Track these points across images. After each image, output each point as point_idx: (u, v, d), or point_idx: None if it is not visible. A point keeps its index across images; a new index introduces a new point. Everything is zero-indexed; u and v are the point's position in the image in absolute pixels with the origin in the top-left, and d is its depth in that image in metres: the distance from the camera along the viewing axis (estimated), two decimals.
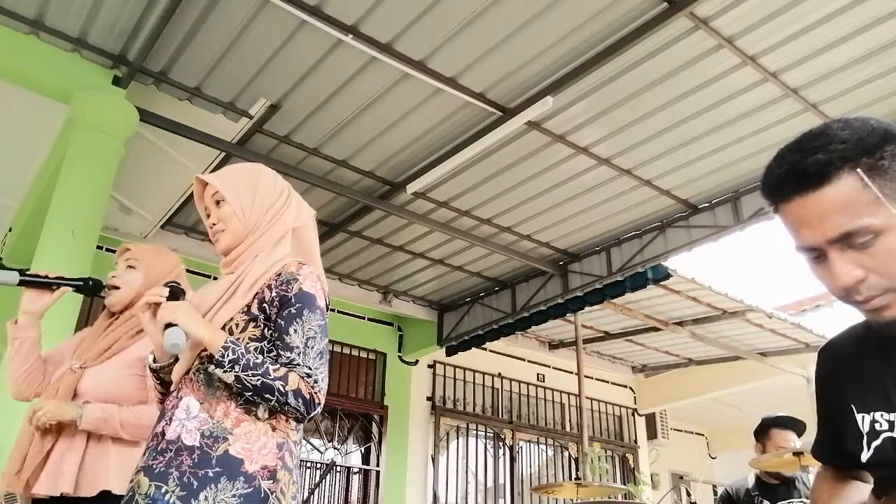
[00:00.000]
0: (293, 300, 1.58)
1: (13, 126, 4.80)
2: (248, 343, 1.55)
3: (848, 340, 1.24)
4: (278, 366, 1.51)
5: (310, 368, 1.52)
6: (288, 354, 1.53)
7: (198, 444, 1.47)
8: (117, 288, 2.15)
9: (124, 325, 2.13)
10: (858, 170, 0.95)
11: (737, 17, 3.80)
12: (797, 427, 3.61)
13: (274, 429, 1.52)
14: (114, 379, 2.04)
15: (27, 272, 2.02)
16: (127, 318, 2.14)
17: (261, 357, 1.51)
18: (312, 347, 1.54)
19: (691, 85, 4.30)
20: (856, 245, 0.97)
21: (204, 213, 1.76)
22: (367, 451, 7.55)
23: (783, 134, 4.70)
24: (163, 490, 1.44)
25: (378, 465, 7.44)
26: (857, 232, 0.96)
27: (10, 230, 5.87)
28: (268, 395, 1.47)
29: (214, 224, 1.70)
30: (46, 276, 2.04)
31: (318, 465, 7.04)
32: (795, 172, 0.99)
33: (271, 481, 1.46)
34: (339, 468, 7.27)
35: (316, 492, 6.92)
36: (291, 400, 1.48)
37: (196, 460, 1.45)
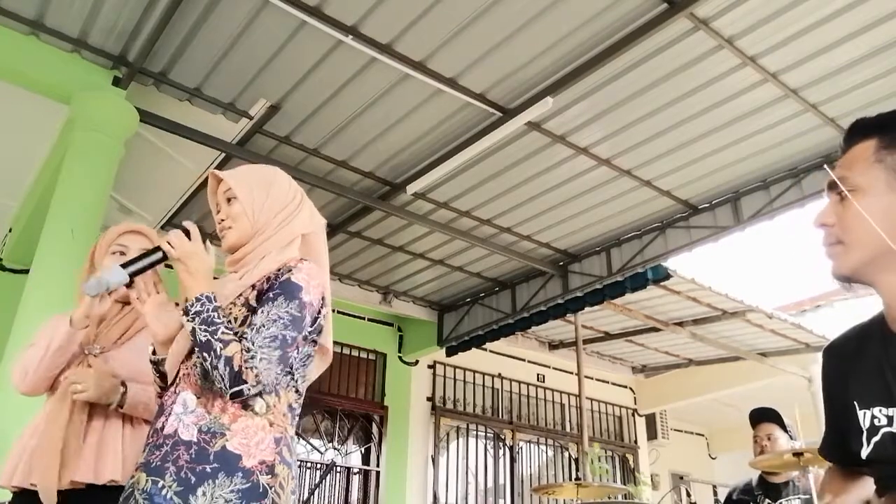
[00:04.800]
0: (276, 287, 1.58)
1: (13, 126, 4.80)
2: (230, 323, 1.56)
3: (851, 338, 1.25)
4: (231, 332, 1.50)
5: (252, 345, 1.48)
6: (245, 330, 1.52)
7: (195, 440, 1.47)
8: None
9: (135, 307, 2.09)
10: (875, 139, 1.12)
11: (737, 18, 3.80)
12: (764, 416, 3.64)
13: (271, 424, 1.52)
14: (141, 360, 1.94)
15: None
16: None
17: (221, 319, 1.51)
18: (268, 329, 1.51)
19: (691, 86, 4.30)
20: (839, 194, 1.12)
21: (215, 209, 1.76)
22: (367, 451, 7.55)
23: (783, 134, 4.71)
24: (160, 485, 1.43)
25: (378, 466, 7.44)
26: (839, 179, 1.12)
27: (10, 230, 5.87)
28: (206, 354, 1.48)
29: (223, 220, 1.70)
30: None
31: (318, 466, 7.03)
32: (848, 130, 1.19)
33: (270, 476, 1.46)
34: (339, 468, 7.27)
35: (316, 492, 6.92)
36: (221, 366, 1.46)
37: (193, 455, 1.45)
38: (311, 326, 1.61)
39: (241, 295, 1.61)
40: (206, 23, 3.95)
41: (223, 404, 1.50)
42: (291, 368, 1.58)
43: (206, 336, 1.48)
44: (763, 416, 3.66)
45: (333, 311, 6.85)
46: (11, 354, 3.29)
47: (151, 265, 1.63)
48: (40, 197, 4.78)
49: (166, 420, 1.53)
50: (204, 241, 1.64)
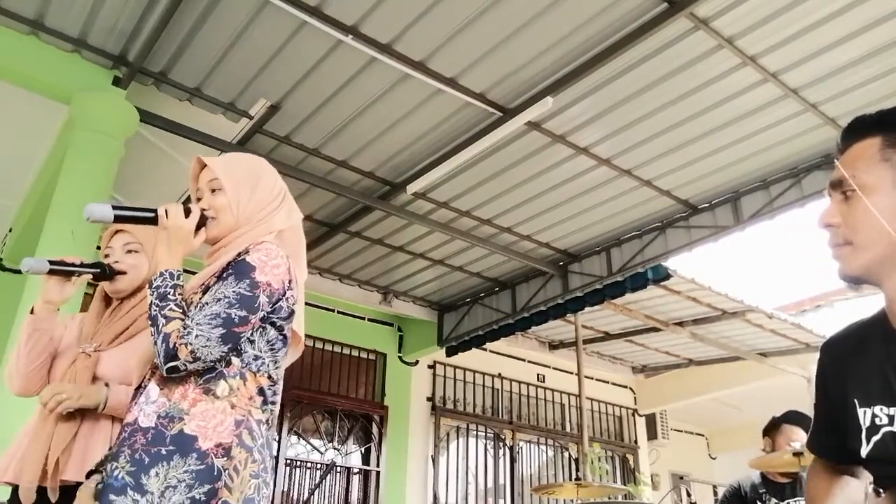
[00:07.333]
0: (229, 268, 1.57)
1: (13, 126, 4.81)
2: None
3: (850, 335, 1.24)
4: (179, 311, 1.52)
5: (190, 322, 1.48)
6: (192, 309, 1.53)
7: (153, 425, 1.46)
8: (124, 273, 2.08)
9: (139, 306, 2.06)
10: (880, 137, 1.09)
11: (737, 18, 3.80)
12: (805, 423, 3.65)
13: (233, 406, 1.49)
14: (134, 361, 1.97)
15: (55, 260, 1.94)
16: (140, 300, 2.06)
17: (175, 296, 1.53)
18: (211, 307, 1.49)
19: (691, 85, 4.30)
20: (844, 193, 1.10)
21: (195, 194, 1.75)
22: (368, 451, 7.55)
23: (783, 134, 4.71)
24: (113, 467, 1.43)
25: (378, 466, 7.43)
26: (844, 179, 1.10)
27: (11, 230, 5.87)
28: (152, 328, 1.50)
29: (205, 210, 1.69)
30: (73, 264, 1.97)
31: (319, 466, 7.03)
32: (847, 128, 1.17)
33: (225, 458, 1.43)
34: (339, 468, 7.27)
35: (316, 492, 6.92)
36: (159, 341, 1.47)
37: (150, 438, 1.45)
38: (269, 307, 1.57)
39: (203, 283, 1.61)
40: (206, 23, 3.95)
41: (184, 391, 1.49)
42: (258, 350, 1.56)
43: (156, 310, 1.51)
44: (802, 422, 3.67)
45: (333, 311, 6.78)
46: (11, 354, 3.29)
47: (137, 219, 1.73)
48: (40, 197, 4.78)
49: (130, 413, 1.53)
50: (198, 229, 1.66)
